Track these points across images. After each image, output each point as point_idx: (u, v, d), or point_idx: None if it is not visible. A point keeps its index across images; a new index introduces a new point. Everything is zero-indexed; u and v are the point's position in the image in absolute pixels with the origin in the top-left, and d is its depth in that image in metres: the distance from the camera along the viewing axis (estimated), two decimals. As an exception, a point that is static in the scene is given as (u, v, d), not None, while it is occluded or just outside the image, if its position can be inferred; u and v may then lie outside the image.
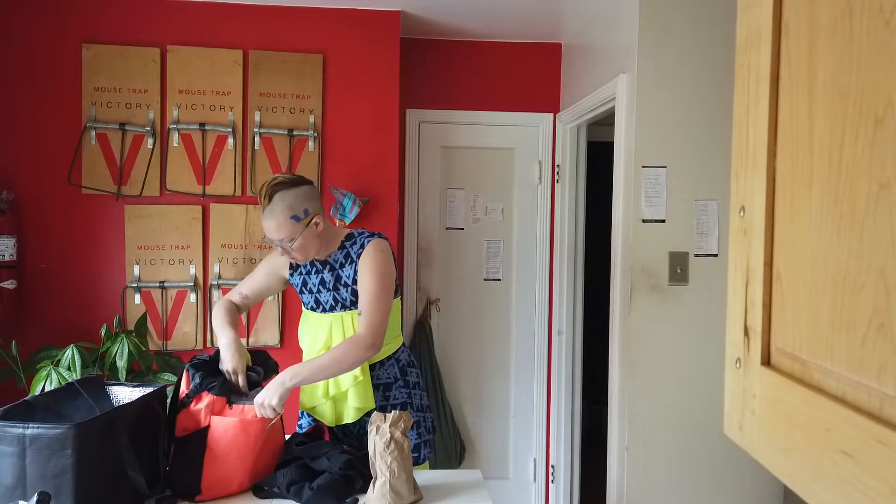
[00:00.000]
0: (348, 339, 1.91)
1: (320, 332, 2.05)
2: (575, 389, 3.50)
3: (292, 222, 1.89)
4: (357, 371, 1.97)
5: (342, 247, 2.04)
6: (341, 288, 2.02)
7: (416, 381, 2.14)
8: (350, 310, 2.02)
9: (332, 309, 2.04)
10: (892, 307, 0.41)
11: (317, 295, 2.06)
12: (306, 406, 2.08)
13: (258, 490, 1.75)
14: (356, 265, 1.99)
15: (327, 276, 2.04)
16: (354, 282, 2.00)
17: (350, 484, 1.74)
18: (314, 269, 2.06)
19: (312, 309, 2.08)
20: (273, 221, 1.88)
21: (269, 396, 1.75)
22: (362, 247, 2.01)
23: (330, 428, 2.06)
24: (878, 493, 0.41)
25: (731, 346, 0.63)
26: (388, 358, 2.09)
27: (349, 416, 2.02)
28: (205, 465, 1.68)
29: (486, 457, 3.54)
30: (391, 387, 2.08)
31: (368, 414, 2.01)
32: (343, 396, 2.02)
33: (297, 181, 1.93)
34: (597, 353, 3.43)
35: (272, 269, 2.13)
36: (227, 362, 1.86)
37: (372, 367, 2.05)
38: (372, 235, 2.03)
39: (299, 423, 2.17)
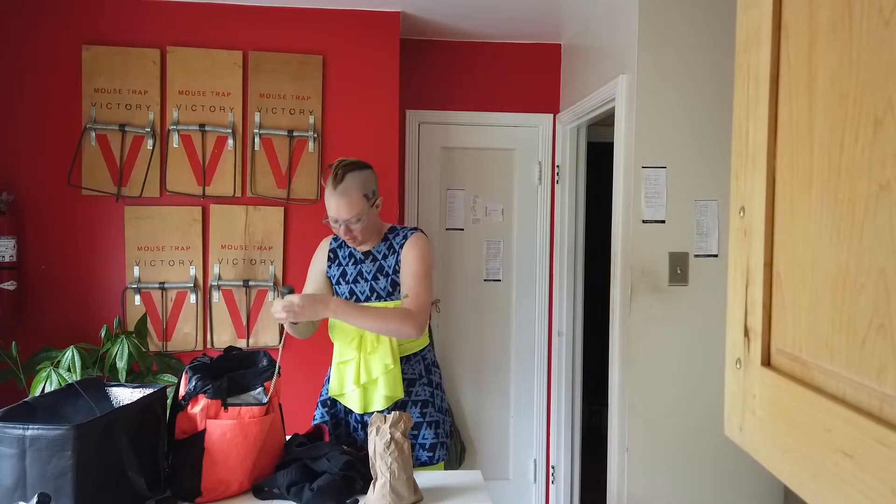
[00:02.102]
0: (401, 308, 1.99)
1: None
2: (575, 390, 3.49)
3: (364, 200, 2.00)
4: (388, 359, 2.02)
5: (385, 238, 2.13)
6: (381, 278, 2.09)
7: (438, 382, 2.19)
8: (385, 300, 2.08)
9: (367, 299, 2.10)
10: (892, 307, 0.41)
11: (352, 285, 2.12)
12: (335, 392, 2.10)
13: (258, 491, 1.74)
14: (398, 255, 2.08)
15: (367, 266, 2.11)
16: (395, 272, 2.08)
17: (350, 485, 1.74)
18: (352, 261, 2.14)
19: (346, 299, 2.12)
20: (347, 198, 1.97)
21: (303, 305, 1.85)
22: (405, 238, 2.10)
23: (335, 428, 2.08)
24: (878, 493, 0.41)
25: (731, 347, 0.63)
26: (415, 354, 2.14)
27: (378, 404, 2.04)
28: (204, 467, 1.68)
29: (486, 457, 3.54)
30: (415, 383, 2.12)
31: (396, 404, 2.07)
32: (373, 384, 2.05)
33: (364, 164, 2.05)
34: (597, 354, 3.43)
35: (318, 270, 2.20)
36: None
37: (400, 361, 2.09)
38: (415, 229, 2.15)
39: (316, 414, 2.21)
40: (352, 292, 2.12)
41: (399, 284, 2.07)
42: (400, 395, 2.04)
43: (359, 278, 2.11)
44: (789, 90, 0.55)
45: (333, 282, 2.17)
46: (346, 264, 2.15)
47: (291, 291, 1.93)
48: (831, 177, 0.48)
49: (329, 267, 2.18)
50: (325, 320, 2.21)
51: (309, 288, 2.23)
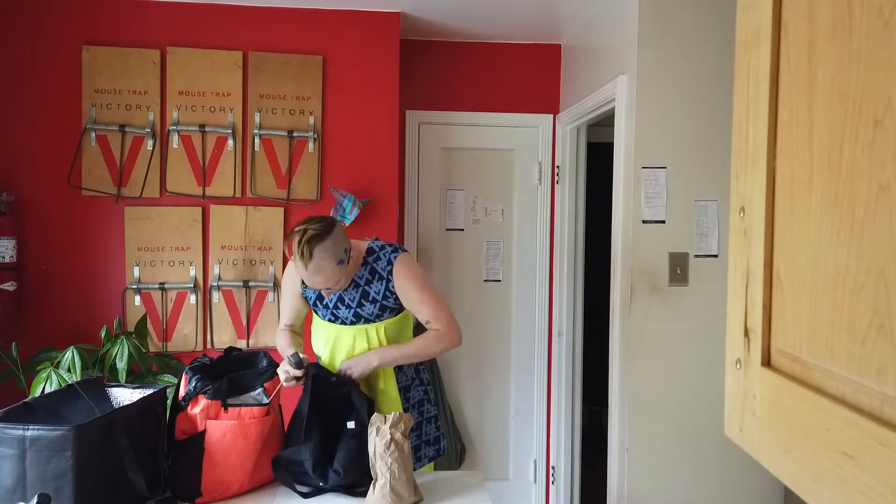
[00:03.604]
0: (431, 333, 2.02)
1: (342, 343, 2.06)
2: (575, 390, 3.49)
3: (339, 268, 1.90)
4: (381, 384, 2.04)
5: (364, 262, 2.04)
6: (367, 304, 2.02)
7: (427, 378, 2.19)
8: (373, 322, 2.03)
9: (353, 324, 2.05)
10: (892, 308, 0.41)
11: (334, 311, 2.05)
12: None
13: (276, 465, 1.77)
14: (387, 283, 2.01)
15: (349, 294, 2.03)
16: (385, 297, 2.01)
17: (363, 450, 1.76)
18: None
19: (330, 321, 2.08)
20: (321, 276, 1.87)
21: (352, 367, 1.93)
22: (389, 263, 2.02)
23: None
24: (879, 493, 0.41)
25: (731, 347, 0.63)
26: None
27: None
28: (204, 468, 1.68)
29: (486, 458, 3.54)
30: (410, 388, 2.12)
31: None
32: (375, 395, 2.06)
33: (328, 226, 1.89)
34: (597, 355, 3.43)
35: (293, 290, 2.13)
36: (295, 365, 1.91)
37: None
38: (396, 250, 2.05)
39: None
40: (335, 317, 2.06)
41: (388, 308, 2.03)
42: (398, 409, 2.05)
43: (339, 304, 2.04)
44: (789, 90, 0.55)
45: (311, 303, 2.11)
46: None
47: (299, 361, 1.90)
48: (831, 177, 0.48)
49: (304, 289, 2.10)
50: (308, 334, 2.22)
51: (287, 309, 2.16)
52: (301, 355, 1.93)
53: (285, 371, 1.89)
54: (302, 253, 1.83)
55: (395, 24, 3.06)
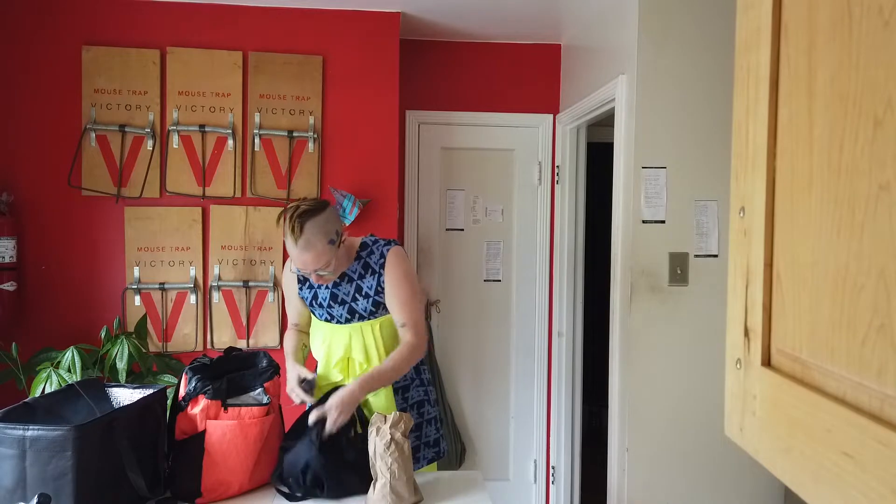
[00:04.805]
0: (404, 347, 1.95)
1: (338, 343, 2.05)
2: (575, 391, 3.49)
3: (330, 247, 1.87)
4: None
5: (358, 257, 2.03)
6: (360, 299, 2.00)
7: (428, 378, 2.18)
8: (368, 320, 2.02)
9: (347, 321, 2.03)
10: (892, 308, 0.41)
11: (329, 310, 2.04)
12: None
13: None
14: (379, 276, 2.00)
15: (343, 289, 2.01)
16: (377, 292, 2.00)
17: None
18: (324, 284, 2.04)
19: (326, 321, 2.07)
20: (311, 252, 1.84)
21: (342, 409, 1.78)
22: (382, 256, 2.01)
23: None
24: (879, 493, 0.41)
25: (731, 347, 0.63)
26: None
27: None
28: (204, 468, 1.68)
29: (486, 458, 3.54)
30: (409, 388, 2.10)
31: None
32: (365, 402, 2.04)
33: (321, 204, 1.89)
34: (597, 355, 3.43)
35: (292, 290, 2.14)
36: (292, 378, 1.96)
37: None
38: (389, 244, 2.04)
39: None
40: (330, 316, 2.04)
41: (382, 304, 2.01)
42: (393, 409, 2.03)
43: (332, 302, 2.02)
44: (789, 91, 0.55)
45: (307, 303, 2.10)
46: (318, 287, 2.05)
47: (311, 386, 1.92)
48: (831, 177, 0.48)
49: (301, 289, 2.09)
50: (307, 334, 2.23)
51: (291, 309, 2.18)
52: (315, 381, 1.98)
53: (297, 394, 1.92)
54: (293, 228, 1.81)
55: (395, 24, 3.06)
